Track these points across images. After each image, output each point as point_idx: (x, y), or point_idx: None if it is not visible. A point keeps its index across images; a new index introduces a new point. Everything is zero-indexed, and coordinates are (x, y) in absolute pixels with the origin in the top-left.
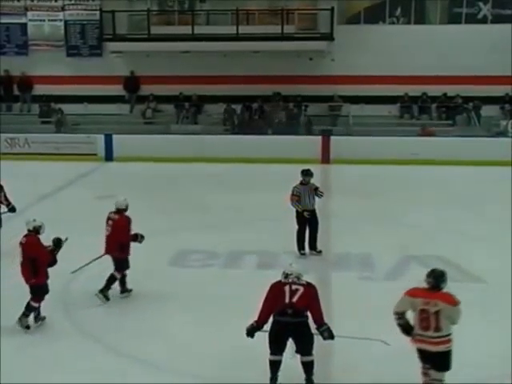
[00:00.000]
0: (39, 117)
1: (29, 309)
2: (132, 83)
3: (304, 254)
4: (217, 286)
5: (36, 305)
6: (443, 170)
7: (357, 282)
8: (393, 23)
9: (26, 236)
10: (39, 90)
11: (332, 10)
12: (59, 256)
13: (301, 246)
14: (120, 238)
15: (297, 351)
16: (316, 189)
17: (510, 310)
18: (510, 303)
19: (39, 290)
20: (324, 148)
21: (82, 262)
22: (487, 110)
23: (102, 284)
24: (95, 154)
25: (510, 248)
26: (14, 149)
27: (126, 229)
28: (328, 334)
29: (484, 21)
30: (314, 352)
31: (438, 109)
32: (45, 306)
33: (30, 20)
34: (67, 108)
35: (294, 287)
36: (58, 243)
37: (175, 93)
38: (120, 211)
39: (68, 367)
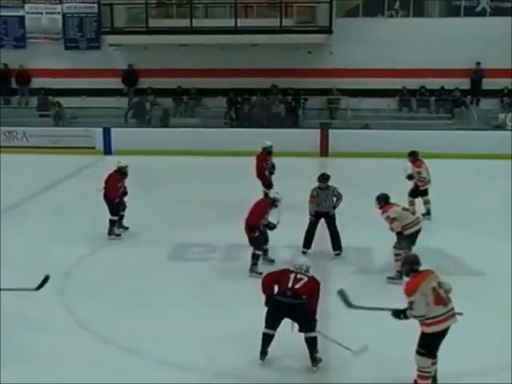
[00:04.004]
0: (37, 110)
1: (255, 258)
2: (130, 76)
3: (305, 253)
4: (217, 279)
5: (259, 252)
6: (442, 163)
7: (356, 275)
8: (392, 16)
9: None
10: (37, 83)
11: (331, 2)
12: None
13: (306, 245)
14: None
15: (300, 330)
16: (333, 190)
17: (510, 304)
18: (509, 296)
19: (258, 242)
20: (322, 141)
21: (81, 256)
22: (486, 103)
23: (101, 279)
24: (93, 148)
25: (510, 241)
26: (12, 142)
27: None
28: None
29: (483, 14)
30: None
31: (437, 102)
32: (44, 304)
33: (28, 13)
34: (65, 101)
35: (298, 276)
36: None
37: (173, 86)
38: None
39: (69, 366)
